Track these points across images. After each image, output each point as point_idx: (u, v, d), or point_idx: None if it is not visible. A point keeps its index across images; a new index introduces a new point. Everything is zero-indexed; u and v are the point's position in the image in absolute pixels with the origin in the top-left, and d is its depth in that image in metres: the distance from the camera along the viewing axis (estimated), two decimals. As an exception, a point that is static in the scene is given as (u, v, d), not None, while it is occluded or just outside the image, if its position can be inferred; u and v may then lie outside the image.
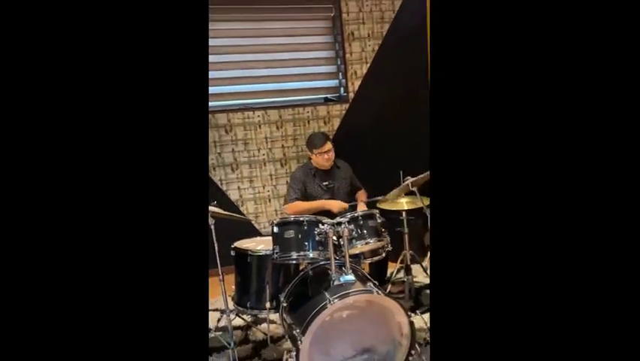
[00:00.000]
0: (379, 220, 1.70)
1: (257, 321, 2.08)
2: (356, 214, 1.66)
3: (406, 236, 2.13)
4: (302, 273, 1.71)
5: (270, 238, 1.77)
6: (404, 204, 2.10)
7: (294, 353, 1.40)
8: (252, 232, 2.75)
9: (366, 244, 1.64)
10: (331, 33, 2.90)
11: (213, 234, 1.66)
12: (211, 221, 1.69)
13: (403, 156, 2.43)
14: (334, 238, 1.52)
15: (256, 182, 2.87)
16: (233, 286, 1.82)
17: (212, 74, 2.65)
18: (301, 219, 1.60)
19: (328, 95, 2.98)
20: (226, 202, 2.71)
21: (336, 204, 2.16)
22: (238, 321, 2.02)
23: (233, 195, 2.83)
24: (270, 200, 2.91)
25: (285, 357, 1.48)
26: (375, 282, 1.60)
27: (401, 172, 2.12)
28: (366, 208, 2.25)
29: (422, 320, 1.91)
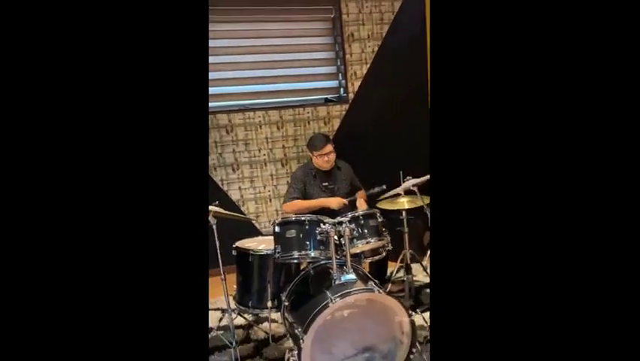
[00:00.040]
0: (380, 220, 1.71)
1: (258, 320, 2.08)
2: (357, 214, 1.67)
3: (406, 235, 2.14)
4: (303, 272, 1.72)
5: (271, 237, 1.78)
6: (404, 203, 2.11)
7: (295, 352, 1.41)
8: (253, 231, 2.75)
9: (367, 243, 1.65)
10: (331, 34, 2.92)
11: (215, 233, 1.68)
12: (213, 221, 1.70)
13: (403, 157, 2.44)
14: (335, 237, 1.53)
15: (257, 182, 2.88)
16: (235, 286, 1.83)
17: (212, 75, 2.66)
18: (302, 218, 1.61)
19: (328, 96, 3.00)
20: (227, 202, 2.72)
21: (334, 201, 2.18)
22: (239, 320, 2.03)
23: (234, 195, 2.84)
24: (270, 200, 2.92)
25: (287, 356, 1.49)
26: (376, 281, 1.61)
27: (401, 172, 2.14)
28: (365, 205, 2.27)
29: (422, 319, 1.92)
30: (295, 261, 1.68)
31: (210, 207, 1.74)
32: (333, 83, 3.00)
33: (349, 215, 1.65)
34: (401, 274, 2.24)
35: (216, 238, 1.67)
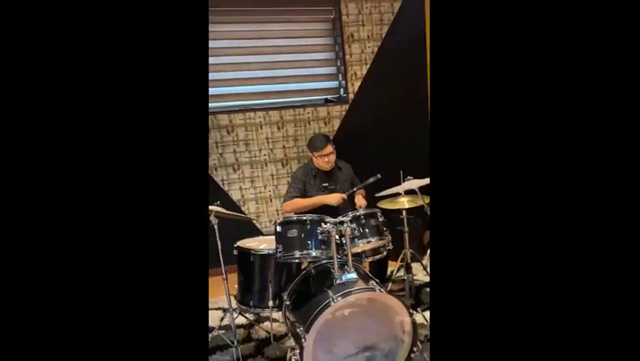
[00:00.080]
0: (381, 219, 1.72)
1: (259, 320, 2.09)
2: (358, 213, 1.68)
3: (406, 235, 2.15)
4: (304, 272, 1.73)
5: (272, 237, 1.79)
6: (404, 203, 2.13)
7: (297, 351, 1.42)
8: (254, 231, 2.76)
9: (368, 242, 1.66)
10: (331, 35, 2.93)
11: (217, 233, 1.69)
12: (215, 220, 1.71)
13: (403, 157, 2.45)
14: (336, 236, 1.54)
15: (257, 182, 2.89)
16: (236, 285, 1.84)
17: (213, 76, 2.67)
18: (304, 218, 1.62)
19: (328, 96, 3.01)
20: (228, 202, 2.73)
21: (333, 198, 2.19)
22: (241, 319, 2.04)
23: (235, 195, 2.85)
24: (271, 200, 2.93)
25: (288, 355, 1.49)
26: (377, 280, 1.62)
27: (401, 172, 2.15)
28: (364, 200, 2.27)
29: (423, 318, 1.94)
30: (297, 260, 1.69)
31: (212, 207, 1.75)
32: (333, 84, 3.01)
33: (350, 215, 1.66)
34: (401, 273, 2.25)
35: (218, 238, 1.68)
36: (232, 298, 1.79)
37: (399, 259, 2.23)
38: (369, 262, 2.01)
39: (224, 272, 1.72)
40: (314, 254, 1.59)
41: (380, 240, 1.69)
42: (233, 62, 2.74)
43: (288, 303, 1.67)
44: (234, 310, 1.80)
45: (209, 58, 2.52)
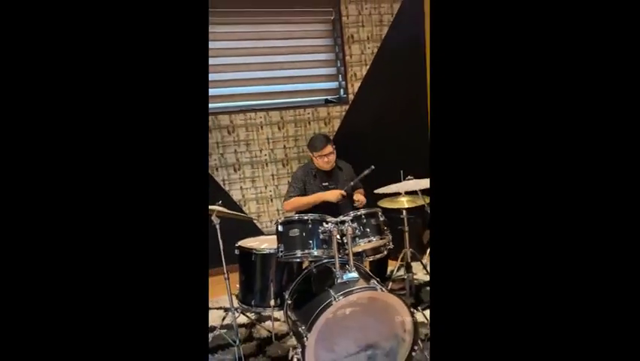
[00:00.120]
0: (382, 218, 1.73)
1: (260, 319, 2.10)
2: (359, 213, 1.69)
3: (407, 234, 2.17)
4: (305, 271, 1.74)
5: (273, 237, 1.80)
6: (404, 202, 2.14)
7: (299, 350, 1.43)
8: (254, 231, 2.77)
9: (369, 241, 1.67)
10: (331, 36, 2.94)
11: (219, 233, 1.70)
12: (216, 220, 1.72)
13: (402, 157, 2.47)
14: (337, 236, 1.55)
15: (258, 182, 2.90)
16: (237, 285, 1.85)
17: (214, 77, 2.68)
18: (306, 217, 1.63)
19: (328, 97, 3.02)
20: (229, 202, 2.74)
21: (332, 194, 2.20)
22: (242, 319, 2.05)
23: (236, 196, 2.86)
24: (271, 200, 2.94)
25: (290, 354, 1.50)
26: (378, 279, 1.64)
27: (402, 172, 2.16)
28: (363, 197, 2.28)
29: (423, 316, 1.95)
30: (298, 260, 1.70)
31: (214, 207, 1.76)
32: (333, 85, 3.03)
33: (352, 214, 1.67)
34: (401, 272, 2.26)
35: (219, 238, 1.69)
36: (234, 298, 1.80)
37: (399, 259, 2.24)
38: (370, 262, 2.02)
39: (225, 272, 1.72)
40: (315, 253, 1.60)
41: (381, 239, 1.70)
42: (234, 62, 2.75)
43: (289, 302, 1.68)
44: (236, 309, 1.81)
45: (210, 59, 2.53)
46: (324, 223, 1.59)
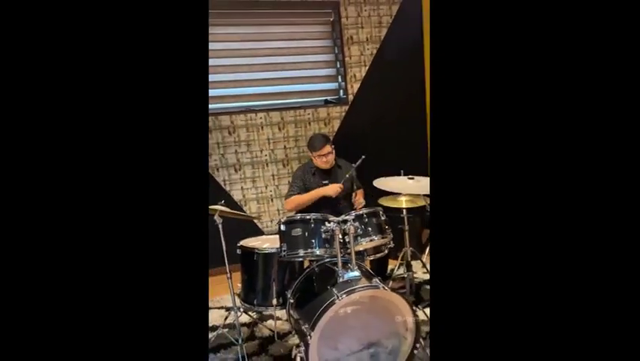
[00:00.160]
0: (383, 218, 1.75)
1: (262, 318, 2.11)
2: (361, 212, 1.71)
3: (407, 233, 2.19)
4: (307, 270, 1.76)
5: (274, 236, 1.81)
6: (403, 202, 2.16)
7: (302, 348, 1.44)
8: (255, 231, 2.79)
9: (371, 240, 1.68)
10: (331, 37, 2.96)
11: (221, 233, 1.71)
12: (219, 220, 1.73)
13: (402, 157, 2.49)
14: (340, 235, 1.56)
15: (259, 182, 2.91)
16: (239, 284, 1.86)
17: (214, 78, 2.69)
18: (308, 217, 1.64)
19: (328, 98, 3.04)
20: (229, 202, 2.75)
21: (331, 189, 2.22)
22: (244, 318, 2.05)
23: (237, 196, 2.87)
24: (272, 200, 2.96)
25: (294, 352, 1.51)
26: (380, 278, 1.65)
27: (402, 171, 2.18)
28: (362, 198, 2.30)
29: (424, 314, 1.97)
30: (300, 259, 1.72)
31: (217, 207, 1.77)
32: (333, 85, 3.04)
33: (353, 213, 1.68)
34: (401, 271, 2.28)
35: (222, 237, 1.70)
36: (236, 297, 1.81)
37: (399, 258, 2.26)
38: (370, 261, 2.04)
39: (228, 271, 1.73)
40: (318, 253, 1.61)
41: (382, 238, 1.72)
42: (234, 63, 2.76)
43: (292, 301, 1.69)
44: (238, 308, 1.82)
45: (210, 60, 2.54)
46: (326, 223, 1.61)
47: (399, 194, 2.17)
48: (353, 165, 2.18)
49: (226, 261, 1.71)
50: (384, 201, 2.21)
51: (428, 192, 2.02)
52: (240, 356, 1.74)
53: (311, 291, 1.67)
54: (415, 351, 1.55)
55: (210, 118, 2.72)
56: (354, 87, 2.99)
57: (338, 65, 3.00)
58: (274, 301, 1.72)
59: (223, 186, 2.82)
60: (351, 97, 2.99)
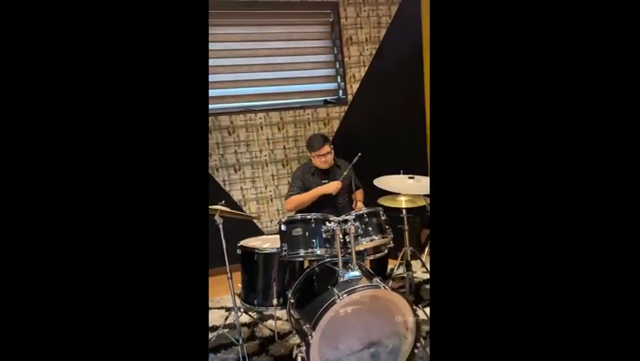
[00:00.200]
0: (383, 217, 1.75)
1: (263, 318, 2.11)
2: (361, 212, 1.71)
3: (406, 233, 2.20)
4: (308, 270, 1.76)
5: (275, 236, 1.81)
6: (402, 202, 2.17)
7: (304, 348, 1.44)
8: (255, 231, 2.79)
9: (371, 240, 1.68)
10: (330, 37, 2.97)
11: (222, 233, 1.71)
12: (220, 220, 1.73)
13: (401, 157, 2.50)
14: (340, 235, 1.57)
15: (258, 182, 2.91)
16: (239, 284, 1.86)
17: (214, 78, 2.69)
18: (308, 217, 1.64)
19: (327, 98, 3.05)
20: (229, 202, 2.75)
21: (331, 187, 2.23)
22: (244, 318, 2.06)
23: (236, 196, 2.87)
24: (271, 200, 2.96)
25: (295, 352, 1.51)
26: (380, 277, 1.66)
27: (401, 171, 2.19)
28: (361, 204, 2.32)
29: (424, 314, 1.97)
30: (301, 259, 1.72)
31: (217, 207, 1.77)
32: (332, 85, 3.05)
33: (354, 213, 1.69)
34: (401, 270, 2.29)
35: (222, 237, 1.70)
36: (236, 297, 1.81)
37: (399, 257, 2.27)
38: (370, 260, 2.05)
39: (228, 271, 1.74)
40: (318, 252, 1.61)
41: (383, 238, 1.72)
42: (234, 64, 2.76)
43: (292, 301, 1.69)
44: (238, 308, 1.82)
45: (210, 60, 2.54)
46: (326, 222, 1.61)
47: (398, 194, 2.18)
48: (350, 164, 2.20)
49: (226, 261, 1.71)
50: (384, 201, 2.22)
51: (428, 192, 2.03)
52: (240, 356, 1.74)
53: (311, 291, 1.68)
54: (416, 351, 1.55)
55: (210, 118, 2.72)
56: (354, 87, 3.00)
57: (337, 66, 3.00)
58: (274, 301, 1.73)
59: (222, 186, 2.82)
60: (350, 97, 3.00)
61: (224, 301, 2.34)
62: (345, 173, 2.27)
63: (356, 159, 2.16)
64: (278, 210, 2.97)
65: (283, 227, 1.65)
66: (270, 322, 2.05)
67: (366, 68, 2.99)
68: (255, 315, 2.07)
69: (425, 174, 2.21)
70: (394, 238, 1.81)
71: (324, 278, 1.68)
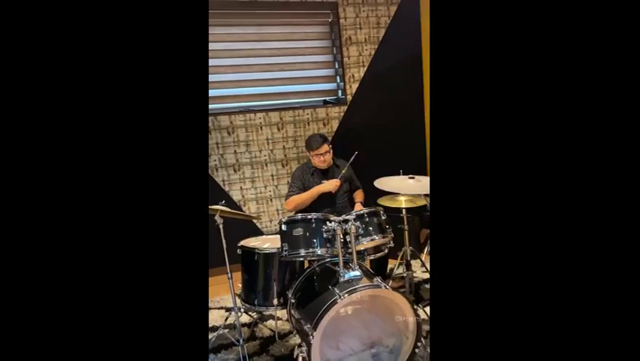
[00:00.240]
0: (383, 217, 1.75)
1: (263, 318, 2.11)
2: (362, 212, 1.71)
3: (406, 233, 2.20)
4: (308, 270, 1.76)
5: (275, 236, 1.82)
6: (402, 202, 2.17)
7: (305, 348, 1.45)
8: (254, 231, 2.79)
9: (372, 240, 1.69)
10: (329, 38, 2.97)
11: (222, 233, 1.71)
12: (220, 220, 1.73)
13: (400, 157, 2.50)
14: (341, 235, 1.57)
15: (258, 182, 2.91)
16: (240, 284, 1.86)
17: (214, 78, 2.69)
18: (309, 217, 1.64)
19: (327, 98, 3.05)
20: (229, 203, 2.75)
21: (330, 185, 2.24)
22: (244, 318, 2.05)
23: (236, 196, 2.87)
24: (271, 200, 2.96)
25: (296, 352, 1.52)
26: (380, 277, 1.66)
27: (401, 171, 2.20)
28: (361, 206, 2.32)
29: (424, 313, 1.98)
30: (301, 259, 1.72)
31: (217, 207, 1.77)
32: (332, 86, 3.05)
33: (354, 213, 1.69)
34: (401, 270, 2.29)
35: (223, 237, 1.70)
36: (236, 297, 1.81)
37: (399, 257, 2.27)
38: (370, 260, 2.05)
39: (229, 271, 1.73)
40: (319, 252, 1.61)
41: (383, 238, 1.72)
42: (234, 64, 2.76)
43: (293, 301, 1.69)
44: (239, 308, 1.82)
45: (210, 60, 2.54)
46: (327, 222, 1.61)
47: (398, 194, 2.18)
48: (348, 162, 2.20)
49: (226, 261, 1.71)
50: (384, 201, 2.22)
51: (428, 192, 2.04)
52: (240, 356, 1.74)
53: (312, 291, 1.68)
54: (417, 350, 1.56)
55: (210, 118, 2.72)
56: (353, 87, 3.00)
57: (336, 66, 3.01)
58: (275, 301, 1.73)
59: (222, 186, 2.82)
60: (349, 97, 3.00)
61: (224, 301, 2.34)
62: (343, 171, 2.27)
63: (353, 157, 2.16)
64: (277, 210, 2.97)
65: (284, 227, 1.65)
66: (271, 322, 2.05)
67: (366, 68, 3.00)
68: (255, 315, 2.07)
69: (425, 174, 2.21)
70: (394, 238, 1.82)
71: (325, 278, 1.68)
